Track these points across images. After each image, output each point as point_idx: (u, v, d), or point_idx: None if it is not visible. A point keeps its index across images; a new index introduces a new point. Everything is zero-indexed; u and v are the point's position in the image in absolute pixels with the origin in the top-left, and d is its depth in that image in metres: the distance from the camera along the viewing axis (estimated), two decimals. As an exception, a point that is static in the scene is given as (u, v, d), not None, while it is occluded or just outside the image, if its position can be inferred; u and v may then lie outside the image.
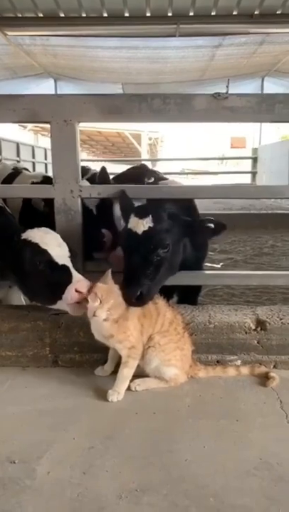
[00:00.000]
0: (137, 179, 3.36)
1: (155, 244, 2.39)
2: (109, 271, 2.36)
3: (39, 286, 2.50)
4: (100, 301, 2.27)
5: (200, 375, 2.62)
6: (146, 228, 2.41)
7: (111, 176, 3.90)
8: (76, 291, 2.35)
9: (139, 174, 3.79)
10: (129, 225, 2.47)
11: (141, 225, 2.42)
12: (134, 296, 2.32)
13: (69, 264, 2.48)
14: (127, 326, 2.39)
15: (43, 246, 2.44)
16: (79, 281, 2.38)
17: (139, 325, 2.44)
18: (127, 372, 2.43)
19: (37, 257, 2.42)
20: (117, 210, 2.71)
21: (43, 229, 2.56)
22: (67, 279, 2.39)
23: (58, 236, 2.55)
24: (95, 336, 2.47)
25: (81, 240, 2.78)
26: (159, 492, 1.75)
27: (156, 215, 2.44)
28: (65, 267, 2.44)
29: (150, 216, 2.42)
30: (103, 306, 2.27)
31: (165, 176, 4.03)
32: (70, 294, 2.36)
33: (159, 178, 3.65)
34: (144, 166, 4.38)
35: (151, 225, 2.41)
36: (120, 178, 3.80)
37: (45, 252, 2.43)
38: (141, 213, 2.45)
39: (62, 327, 2.79)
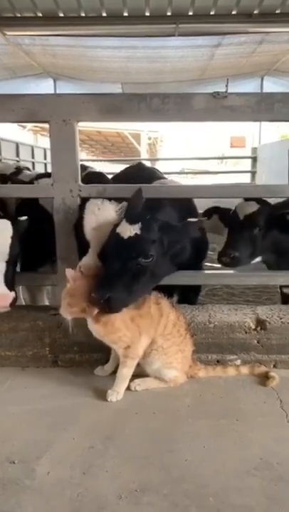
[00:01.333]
0: (136, 178, 3.32)
1: (137, 252, 2.32)
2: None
3: None
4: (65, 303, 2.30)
5: (200, 375, 2.62)
6: (132, 234, 2.34)
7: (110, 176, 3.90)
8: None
9: (137, 173, 3.75)
10: (118, 229, 2.41)
11: (128, 231, 2.36)
12: (100, 298, 2.22)
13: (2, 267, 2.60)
14: (116, 327, 2.37)
15: None
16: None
17: (134, 325, 2.41)
18: (126, 372, 2.42)
19: None
20: (89, 220, 2.56)
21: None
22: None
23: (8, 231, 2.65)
24: (93, 333, 2.47)
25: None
26: (159, 492, 1.75)
27: (147, 224, 2.38)
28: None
29: (140, 223, 2.37)
30: (64, 305, 2.30)
31: (164, 175, 4.00)
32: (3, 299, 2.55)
33: (157, 177, 3.62)
34: (141, 165, 4.36)
35: (138, 232, 2.35)
36: (120, 178, 3.77)
37: None
38: (132, 219, 2.40)
39: (61, 327, 2.78)
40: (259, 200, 3.07)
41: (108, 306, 2.25)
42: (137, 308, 2.45)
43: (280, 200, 3.16)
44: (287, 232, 3.05)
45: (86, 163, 4.66)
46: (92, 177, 3.49)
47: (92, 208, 2.56)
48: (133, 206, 2.52)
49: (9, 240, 2.64)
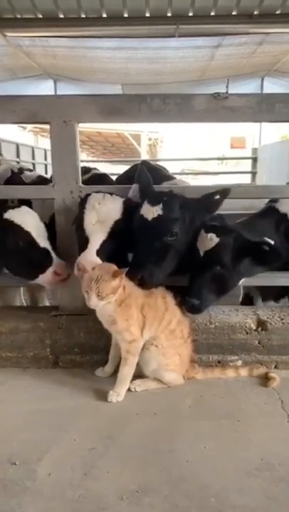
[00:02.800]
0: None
1: (162, 232, 2.48)
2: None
3: (21, 264, 2.64)
4: (88, 291, 2.25)
5: (197, 378, 2.62)
6: (155, 216, 2.49)
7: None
8: (56, 273, 2.55)
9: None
10: (141, 211, 2.54)
11: (151, 213, 2.50)
12: (134, 277, 2.41)
13: (48, 246, 2.62)
14: (130, 313, 2.37)
15: (26, 228, 2.58)
16: (56, 264, 2.58)
17: (142, 316, 2.42)
18: (127, 371, 2.42)
19: (20, 238, 2.56)
20: (89, 215, 2.56)
21: (23, 209, 2.68)
22: (48, 261, 2.57)
23: (37, 216, 2.68)
24: (103, 323, 2.46)
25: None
26: (159, 493, 1.75)
27: (167, 203, 2.51)
28: (45, 250, 2.60)
29: (161, 204, 2.50)
30: (91, 295, 2.23)
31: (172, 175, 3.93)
32: (48, 277, 2.56)
33: (165, 176, 3.58)
34: (146, 163, 4.32)
35: (160, 212, 2.48)
36: (125, 178, 3.70)
37: (27, 234, 2.57)
38: (153, 201, 2.53)
39: (62, 328, 2.79)
40: (222, 229, 2.59)
41: (143, 283, 2.44)
42: (147, 297, 2.46)
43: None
44: (263, 261, 2.61)
45: (87, 164, 4.63)
46: (98, 179, 3.48)
47: (93, 203, 2.58)
48: (144, 185, 2.67)
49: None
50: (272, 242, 2.54)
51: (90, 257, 2.43)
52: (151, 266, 2.47)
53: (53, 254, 2.61)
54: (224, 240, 2.52)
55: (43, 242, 2.61)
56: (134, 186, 2.71)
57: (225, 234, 2.54)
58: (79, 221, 2.58)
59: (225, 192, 2.64)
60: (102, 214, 2.54)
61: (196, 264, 2.56)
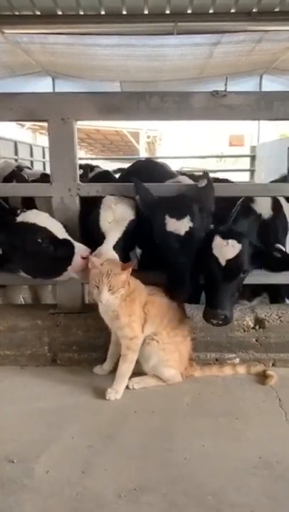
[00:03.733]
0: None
1: (197, 242, 2.50)
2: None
3: (43, 262, 2.57)
4: (100, 286, 2.25)
5: (196, 376, 2.62)
6: (187, 229, 2.47)
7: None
8: (82, 257, 2.50)
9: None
10: (169, 228, 2.48)
11: (182, 227, 2.47)
12: (186, 295, 2.48)
13: (68, 236, 2.59)
14: (133, 308, 2.38)
15: (41, 224, 2.54)
16: (80, 249, 2.55)
17: (144, 313, 2.43)
18: (126, 367, 2.42)
19: (39, 234, 2.51)
20: (105, 214, 2.63)
21: (34, 211, 2.65)
22: (72, 250, 2.52)
23: (48, 215, 2.65)
24: (104, 319, 2.46)
25: (79, 239, 2.76)
26: (158, 491, 1.75)
27: (192, 213, 2.50)
28: (66, 240, 2.56)
29: (188, 216, 2.48)
30: (103, 290, 2.24)
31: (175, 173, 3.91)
32: (78, 263, 2.50)
33: (167, 172, 3.58)
34: (150, 161, 4.33)
35: (191, 225, 2.47)
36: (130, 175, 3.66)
37: (45, 229, 2.53)
38: (179, 214, 2.49)
39: (60, 326, 2.78)
40: (236, 234, 2.55)
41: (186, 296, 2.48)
42: (150, 295, 2.48)
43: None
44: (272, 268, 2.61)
45: (84, 162, 4.63)
46: (103, 176, 3.47)
47: (109, 203, 2.66)
48: (145, 198, 2.62)
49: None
50: (284, 249, 2.54)
51: (108, 250, 2.49)
52: (191, 278, 2.48)
53: (73, 242, 2.56)
54: (244, 246, 2.46)
55: (61, 233, 2.58)
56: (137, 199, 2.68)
57: (241, 239, 2.48)
58: (94, 219, 2.64)
59: (205, 175, 2.70)
60: (118, 214, 2.63)
61: (214, 273, 2.44)
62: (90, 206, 2.76)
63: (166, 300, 2.52)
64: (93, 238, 2.64)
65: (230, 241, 2.45)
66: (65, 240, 2.56)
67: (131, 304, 2.37)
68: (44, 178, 3.78)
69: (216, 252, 2.46)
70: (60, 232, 2.58)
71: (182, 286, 2.46)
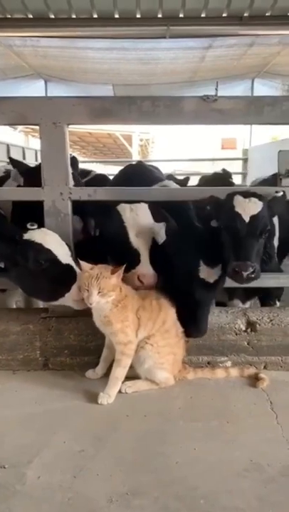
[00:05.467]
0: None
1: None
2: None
3: (42, 284, 2.54)
4: (89, 288, 2.27)
5: (188, 378, 2.63)
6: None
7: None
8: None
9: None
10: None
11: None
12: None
13: (72, 262, 2.54)
14: (125, 314, 2.39)
15: (47, 246, 2.50)
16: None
17: (137, 319, 2.44)
18: (119, 372, 2.42)
19: (42, 256, 2.47)
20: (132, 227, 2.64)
21: (43, 230, 2.62)
22: (72, 277, 2.47)
23: (57, 236, 2.60)
24: (96, 325, 2.47)
25: (71, 243, 2.76)
26: (149, 495, 1.75)
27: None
28: (69, 266, 2.51)
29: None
30: (93, 292, 2.26)
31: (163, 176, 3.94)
32: (76, 292, 2.44)
33: (157, 178, 3.60)
34: (141, 164, 4.33)
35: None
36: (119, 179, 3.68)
37: (49, 252, 2.49)
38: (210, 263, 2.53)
39: (52, 330, 2.78)
40: (258, 195, 2.59)
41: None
42: (142, 300, 2.49)
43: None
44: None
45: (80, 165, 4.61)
46: (101, 180, 3.47)
47: (131, 215, 2.66)
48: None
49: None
50: None
51: (149, 268, 2.56)
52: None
53: (76, 269, 2.51)
54: (264, 204, 2.53)
55: (65, 258, 2.52)
56: (159, 225, 2.68)
57: (261, 198, 2.54)
58: (120, 234, 2.63)
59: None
60: (141, 224, 2.64)
61: (239, 230, 2.45)
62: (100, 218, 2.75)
63: (159, 302, 2.53)
64: (118, 253, 2.65)
65: (252, 198, 2.51)
66: (67, 266, 2.51)
67: (123, 310, 2.38)
68: None
69: (238, 209, 2.49)
70: (64, 256, 2.52)
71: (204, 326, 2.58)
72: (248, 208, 2.49)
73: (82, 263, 2.35)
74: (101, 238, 2.89)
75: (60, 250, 2.53)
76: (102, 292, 2.26)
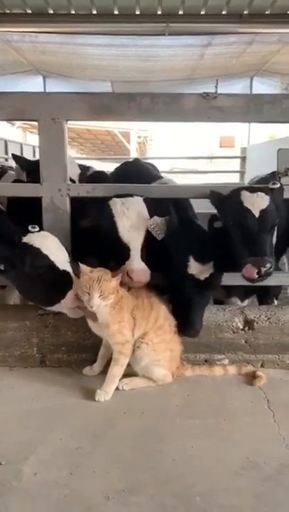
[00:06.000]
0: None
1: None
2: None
3: (38, 289, 2.51)
4: (90, 292, 2.26)
5: (186, 375, 2.63)
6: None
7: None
8: (76, 296, 2.40)
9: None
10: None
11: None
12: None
13: (69, 269, 2.50)
14: (122, 315, 2.39)
15: (45, 251, 2.46)
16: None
17: (132, 319, 2.45)
18: (116, 370, 2.42)
19: (38, 261, 2.44)
20: (122, 222, 2.57)
21: (43, 233, 2.56)
22: (68, 284, 2.43)
23: (57, 240, 2.56)
24: (91, 329, 2.47)
25: (69, 240, 2.76)
26: (146, 492, 1.75)
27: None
28: (66, 273, 2.46)
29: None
30: (94, 295, 2.25)
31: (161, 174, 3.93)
32: (71, 300, 2.42)
33: (155, 176, 3.59)
34: (138, 161, 4.33)
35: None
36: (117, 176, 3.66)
37: (46, 258, 2.45)
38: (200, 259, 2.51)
39: (49, 327, 2.77)
40: (263, 189, 2.59)
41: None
42: (136, 299, 2.49)
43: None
44: None
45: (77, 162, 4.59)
46: (99, 176, 3.46)
47: (121, 209, 2.59)
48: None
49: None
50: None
51: (139, 263, 2.50)
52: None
53: (72, 276, 2.49)
54: (270, 198, 2.51)
55: (63, 265, 2.48)
56: (156, 220, 2.66)
57: (267, 192, 2.53)
58: (111, 229, 2.57)
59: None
60: (134, 218, 2.56)
61: (250, 226, 2.43)
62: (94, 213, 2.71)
63: (150, 300, 2.53)
64: (110, 248, 2.62)
65: (258, 193, 2.50)
66: (64, 272, 2.47)
67: (120, 311, 2.39)
68: None
69: (248, 204, 2.47)
70: (62, 263, 2.48)
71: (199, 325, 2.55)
72: (257, 203, 2.47)
73: (82, 266, 2.34)
74: (92, 231, 2.85)
75: (58, 256, 2.49)
76: (103, 295, 2.26)
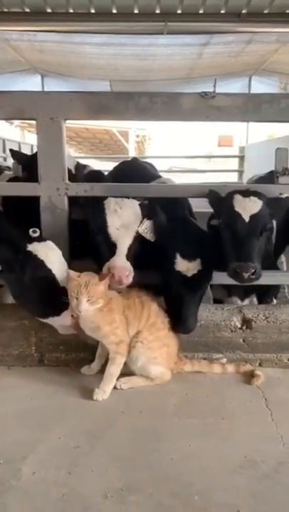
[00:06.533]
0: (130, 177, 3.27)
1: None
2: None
3: (33, 299, 2.50)
4: (78, 296, 2.26)
5: (185, 370, 2.64)
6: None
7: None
8: (73, 317, 2.40)
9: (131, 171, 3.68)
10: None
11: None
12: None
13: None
14: (112, 317, 2.39)
15: (49, 265, 2.44)
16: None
17: (124, 318, 2.45)
18: (114, 369, 2.43)
19: (40, 273, 2.42)
20: (112, 220, 2.58)
21: (48, 244, 2.53)
22: (64, 304, 2.40)
23: (60, 253, 2.54)
24: (85, 332, 2.46)
25: (67, 239, 2.76)
26: (144, 491, 1.76)
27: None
28: (65, 289, 2.42)
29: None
30: (82, 300, 2.25)
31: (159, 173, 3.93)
32: (66, 320, 2.41)
33: (153, 175, 3.58)
34: (136, 160, 4.34)
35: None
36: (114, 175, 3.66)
37: (49, 272, 2.44)
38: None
39: (48, 326, 2.76)
40: (257, 193, 2.60)
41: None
42: (126, 300, 2.49)
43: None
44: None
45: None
46: (96, 175, 3.46)
47: (114, 207, 2.60)
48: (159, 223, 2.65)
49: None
50: None
51: (123, 262, 2.48)
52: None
53: None
54: (264, 203, 2.52)
55: (63, 281, 2.45)
56: (147, 223, 2.66)
57: (261, 196, 2.55)
58: (101, 226, 2.58)
59: None
60: (125, 217, 2.58)
61: (239, 230, 2.46)
62: (88, 210, 2.72)
63: (141, 299, 2.54)
64: (98, 246, 2.62)
65: (251, 197, 2.51)
66: (63, 290, 2.42)
67: (110, 313, 2.39)
68: None
69: (238, 208, 2.49)
70: (63, 279, 2.45)
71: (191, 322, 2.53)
72: (248, 207, 2.49)
73: (70, 271, 2.34)
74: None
75: (59, 271, 2.46)
76: (91, 300, 2.26)
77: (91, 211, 2.69)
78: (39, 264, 2.43)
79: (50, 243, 2.55)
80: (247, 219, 2.48)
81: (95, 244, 2.64)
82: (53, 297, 2.42)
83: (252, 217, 2.48)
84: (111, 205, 2.62)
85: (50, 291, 2.43)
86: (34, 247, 2.46)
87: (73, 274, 2.33)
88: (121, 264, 2.47)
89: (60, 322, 2.45)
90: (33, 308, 2.57)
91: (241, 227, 2.46)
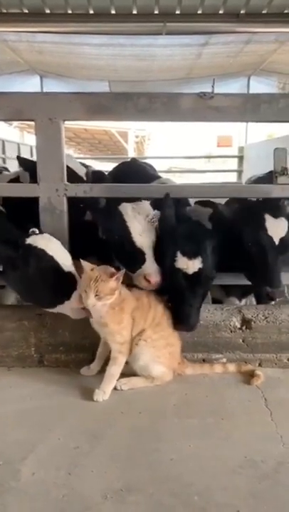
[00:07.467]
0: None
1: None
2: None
3: (41, 290, 2.49)
4: (87, 290, 2.26)
5: (187, 373, 2.64)
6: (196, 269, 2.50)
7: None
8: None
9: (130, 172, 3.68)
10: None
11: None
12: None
13: (73, 270, 2.50)
14: (122, 316, 2.40)
15: (50, 252, 2.46)
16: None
17: (131, 319, 2.45)
18: (114, 370, 2.43)
19: (44, 262, 2.43)
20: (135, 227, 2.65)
21: (46, 236, 2.57)
22: (73, 285, 2.43)
23: (60, 243, 2.56)
24: (92, 325, 2.47)
25: (67, 241, 2.76)
26: (144, 491, 1.76)
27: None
28: (70, 274, 2.46)
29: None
30: (90, 294, 2.24)
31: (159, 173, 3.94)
32: (76, 300, 2.40)
33: (153, 175, 3.58)
34: (135, 161, 4.34)
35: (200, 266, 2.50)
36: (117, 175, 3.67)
37: (52, 259, 2.45)
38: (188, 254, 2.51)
39: (47, 327, 2.77)
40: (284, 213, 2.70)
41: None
42: (137, 300, 2.50)
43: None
44: None
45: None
46: (98, 176, 3.47)
47: (132, 213, 2.64)
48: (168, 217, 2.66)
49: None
50: None
51: (155, 268, 2.55)
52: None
53: (77, 277, 2.47)
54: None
55: (67, 266, 2.48)
56: (155, 212, 2.70)
57: (287, 217, 2.64)
58: (123, 233, 2.62)
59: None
60: (144, 222, 2.63)
61: (269, 252, 2.55)
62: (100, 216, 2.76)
63: (149, 299, 2.54)
64: (120, 251, 2.67)
65: (282, 218, 2.60)
66: (69, 274, 2.46)
67: (120, 313, 2.39)
68: None
69: (270, 232, 2.58)
70: (67, 264, 2.48)
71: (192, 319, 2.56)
72: (279, 230, 2.58)
73: (84, 263, 2.33)
74: (105, 239, 2.86)
75: (62, 258, 2.49)
76: (99, 295, 2.25)
77: (104, 217, 2.73)
78: (41, 254, 2.44)
79: (47, 235, 2.58)
80: (277, 242, 2.58)
81: (119, 252, 2.71)
82: (60, 283, 2.44)
83: (281, 240, 2.58)
84: (128, 210, 2.66)
85: (55, 278, 2.44)
86: (33, 239, 2.50)
87: (88, 266, 2.31)
88: (155, 270, 2.54)
89: (72, 305, 2.44)
90: (42, 299, 2.56)
91: (272, 250, 2.57)
